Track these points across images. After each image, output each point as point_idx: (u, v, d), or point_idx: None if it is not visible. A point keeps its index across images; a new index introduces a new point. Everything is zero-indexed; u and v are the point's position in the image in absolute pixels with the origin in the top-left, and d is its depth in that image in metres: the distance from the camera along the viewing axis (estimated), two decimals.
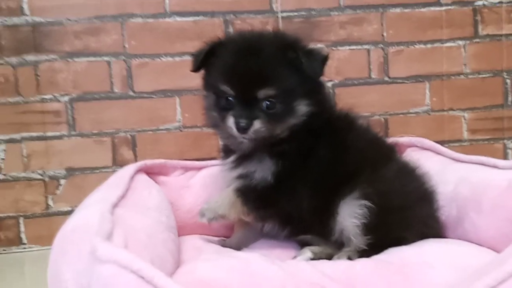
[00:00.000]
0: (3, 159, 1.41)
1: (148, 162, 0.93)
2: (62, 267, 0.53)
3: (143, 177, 0.87)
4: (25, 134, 1.41)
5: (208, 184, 0.99)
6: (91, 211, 0.59)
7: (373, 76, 1.52)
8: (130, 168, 0.84)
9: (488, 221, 0.69)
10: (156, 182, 0.92)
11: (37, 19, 1.40)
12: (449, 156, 0.90)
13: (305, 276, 0.56)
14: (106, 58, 1.43)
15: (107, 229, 0.51)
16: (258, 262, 0.58)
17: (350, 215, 0.73)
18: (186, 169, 1.02)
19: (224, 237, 0.93)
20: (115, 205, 0.61)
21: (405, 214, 0.74)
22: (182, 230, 0.89)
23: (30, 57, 1.40)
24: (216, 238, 0.90)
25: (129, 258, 0.45)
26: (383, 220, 0.71)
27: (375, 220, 0.71)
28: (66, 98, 1.42)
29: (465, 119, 1.55)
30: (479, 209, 0.71)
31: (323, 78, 0.89)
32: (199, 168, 1.03)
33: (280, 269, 0.57)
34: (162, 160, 0.98)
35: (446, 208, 0.79)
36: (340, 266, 0.60)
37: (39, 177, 1.42)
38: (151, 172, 0.94)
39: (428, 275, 0.54)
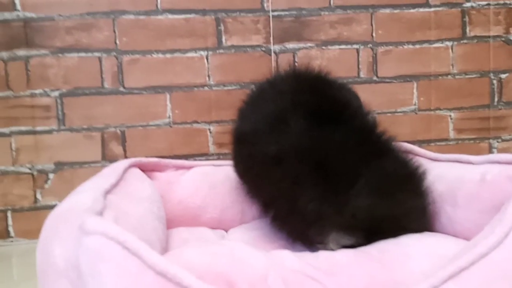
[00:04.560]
0: None
1: (143, 159, 0.97)
2: (52, 244, 0.55)
3: (136, 170, 0.90)
4: (14, 128, 1.43)
5: (197, 180, 1.03)
6: (83, 195, 0.61)
7: (362, 75, 1.56)
8: (124, 162, 0.88)
9: (463, 214, 0.72)
10: (148, 176, 0.95)
11: (29, 14, 1.42)
12: (427, 157, 0.94)
13: (288, 264, 0.59)
14: (97, 54, 1.45)
15: (98, 208, 0.54)
16: (242, 249, 0.61)
17: None
18: (178, 167, 1.06)
19: (214, 228, 0.97)
20: (108, 192, 0.64)
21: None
22: (171, 223, 0.92)
23: (21, 52, 1.43)
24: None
25: (116, 231, 0.48)
26: None
27: None
28: (56, 93, 1.44)
29: (451, 118, 1.59)
30: (454, 203, 0.74)
31: None
32: (190, 167, 1.07)
33: (264, 256, 0.60)
34: (155, 159, 1.02)
35: None
36: (321, 256, 0.63)
37: (28, 171, 1.45)
38: (144, 169, 0.98)
39: (405, 263, 0.57)
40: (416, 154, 0.96)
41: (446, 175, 0.80)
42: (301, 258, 0.61)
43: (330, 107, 0.84)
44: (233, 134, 0.95)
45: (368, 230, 0.69)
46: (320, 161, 0.75)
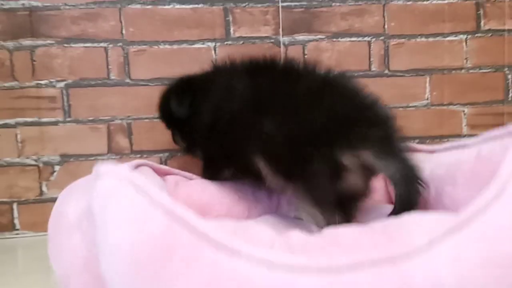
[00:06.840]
0: None
1: (155, 165, 1.02)
2: (66, 206, 0.60)
3: (148, 168, 0.95)
4: (19, 120, 1.49)
5: (204, 180, 1.10)
6: None
7: (373, 68, 1.60)
8: (138, 161, 0.93)
9: (463, 191, 0.77)
10: None
11: (34, 3, 1.47)
12: (425, 150, 1.01)
13: (294, 236, 0.63)
14: (103, 44, 1.50)
15: None
16: (250, 224, 0.66)
17: None
18: (186, 177, 1.12)
19: None
20: None
21: None
22: None
23: (27, 42, 1.48)
24: None
25: (127, 172, 0.54)
26: None
27: None
28: (62, 84, 1.49)
29: (464, 114, 1.62)
30: (454, 183, 0.80)
31: None
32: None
33: (273, 230, 0.65)
34: (167, 167, 1.09)
35: (426, 191, 0.87)
36: (325, 231, 0.67)
37: (34, 163, 1.50)
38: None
39: (408, 231, 0.61)
40: (415, 150, 1.01)
41: (445, 161, 0.86)
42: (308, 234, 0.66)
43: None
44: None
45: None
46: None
